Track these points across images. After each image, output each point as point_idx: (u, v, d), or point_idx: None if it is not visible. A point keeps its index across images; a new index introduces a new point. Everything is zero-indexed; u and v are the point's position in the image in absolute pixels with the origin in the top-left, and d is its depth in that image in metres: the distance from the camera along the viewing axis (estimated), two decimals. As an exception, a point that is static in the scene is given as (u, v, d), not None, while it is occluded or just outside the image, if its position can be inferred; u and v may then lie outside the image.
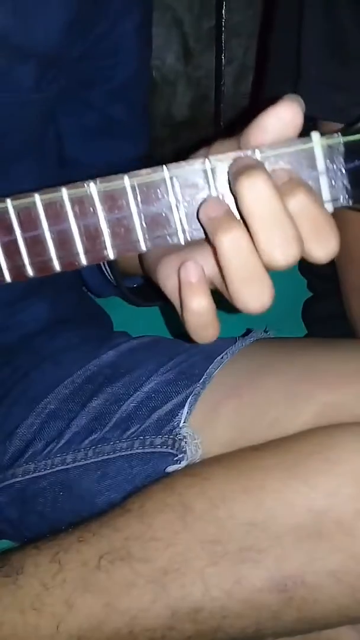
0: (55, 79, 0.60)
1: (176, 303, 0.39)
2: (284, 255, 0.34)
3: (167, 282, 0.39)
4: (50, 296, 0.68)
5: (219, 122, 1.05)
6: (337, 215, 0.64)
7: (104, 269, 0.62)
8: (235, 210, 0.36)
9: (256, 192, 0.34)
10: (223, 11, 1.03)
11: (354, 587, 0.45)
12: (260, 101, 0.70)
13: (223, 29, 1.04)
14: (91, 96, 0.65)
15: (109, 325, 0.76)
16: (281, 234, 0.34)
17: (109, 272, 0.61)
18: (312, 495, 0.45)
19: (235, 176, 0.34)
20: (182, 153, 0.40)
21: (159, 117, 1.07)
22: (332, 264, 0.70)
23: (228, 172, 0.36)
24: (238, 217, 0.36)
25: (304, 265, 0.82)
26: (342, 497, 0.45)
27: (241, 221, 0.35)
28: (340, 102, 0.60)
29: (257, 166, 0.34)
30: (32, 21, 0.55)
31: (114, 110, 0.66)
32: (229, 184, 0.36)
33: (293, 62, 0.62)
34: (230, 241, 0.34)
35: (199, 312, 0.37)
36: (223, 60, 1.05)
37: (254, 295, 0.35)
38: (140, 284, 0.60)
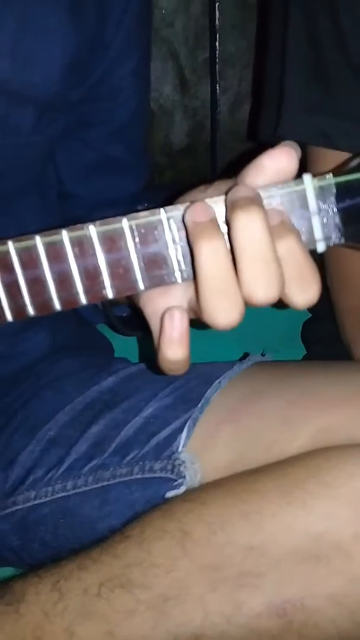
0: (54, 122, 0.61)
1: (153, 329, 0.40)
2: (264, 294, 0.35)
3: (148, 306, 0.40)
4: (50, 325, 0.69)
5: (215, 150, 1.07)
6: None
7: None
8: (221, 219, 0.37)
9: (251, 230, 0.35)
10: (216, 43, 1.06)
11: (354, 610, 0.45)
12: (257, 130, 0.71)
13: (217, 60, 1.07)
14: (89, 136, 0.66)
15: (109, 351, 0.77)
16: (267, 273, 0.35)
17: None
18: (310, 519, 0.46)
19: (232, 206, 0.35)
20: (181, 180, 0.42)
21: (157, 145, 1.09)
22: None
23: (226, 203, 0.36)
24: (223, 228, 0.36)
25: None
26: (340, 520, 0.45)
27: (225, 234, 0.36)
28: (323, 127, 0.62)
29: (255, 200, 0.35)
30: (30, 66, 0.56)
31: (113, 150, 0.67)
32: (226, 212, 0.36)
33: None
34: (210, 250, 0.35)
35: (173, 361, 0.39)
36: (218, 90, 1.08)
37: (224, 310, 0.36)
38: (129, 314, 0.61)
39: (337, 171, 0.37)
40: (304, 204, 0.37)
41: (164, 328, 0.38)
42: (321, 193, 0.37)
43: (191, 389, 0.60)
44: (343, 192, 0.36)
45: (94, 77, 0.61)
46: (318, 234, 0.37)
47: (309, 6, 0.62)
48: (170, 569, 0.46)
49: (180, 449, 0.55)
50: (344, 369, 0.57)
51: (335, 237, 0.37)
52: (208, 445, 0.55)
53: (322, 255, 0.68)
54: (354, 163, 0.37)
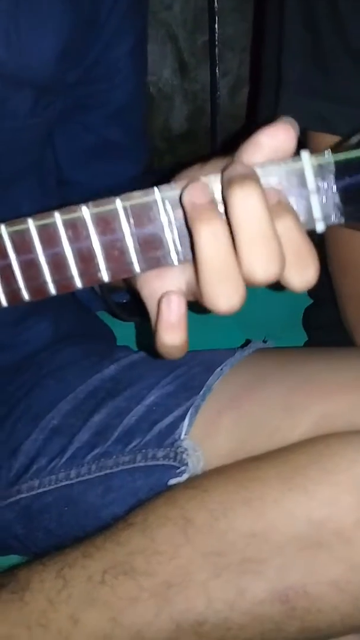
0: (51, 104, 0.60)
1: (151, 311, 0.39)
2: (264, 272, 0.34)
3: (144, 288, 0.40)
4: (52, 313, 0.69)
5: (216, 134, 1.06)
6: (331, 229, 0.65)
7: None
8: (219, 198, 0.36)
9: (248, 206, 0.34)
10: (215, 26, 1.04)
11: (356, 596, 0.45)
12: (256, 113, 0.70)
13: (216, 43, 1.05)
14: (88, 119, 0.66)
15: (111, 339, 0.77)
16: (266, 249, 0.34)
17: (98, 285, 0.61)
18: (312, 505, 0.46)
19: (228, 183, 0.35)
20: (181, 165, 0.41)
21: (157, 130, 1.08)
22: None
23: (222, 181, 0.36)
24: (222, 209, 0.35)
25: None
26: (341, 506, 0.45)
27: (224, 215, 0.35)
28: (321, 111, 0.61)
29: (252, 177, 0.35)
30: (25, 50, 0.55)
31: (111, 133, 0.67)
32: (222, 190, 0.36)
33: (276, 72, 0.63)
34: (210, 233, 0.34)
35: (171, 346, 0.38)
36: (217, 73, 1.06)
37: (225, 294, 0.35)
38: (128, 300, 0.61)
39: (335, 149, 0.36)
40: (302, 183, 0.36)
41: (162, 313, 0.38)
42: (320, 171, 0.36)
43: (193, 376, 0.60)
44: (342, 170, 0.35)
45: (90, 59, 0.61)
46: (317, 213, 0.36)
47: None
48: (173, 556, 0.47)
49: (182, 436, 0.55)
50: (345, 356, 0.57)
51: (334, 217, 0.36)
52: (210, 433, 0.55)
53: (323, 240, 0.68)
54: (354, 140, 0.36)
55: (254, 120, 0.71)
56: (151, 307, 0.40)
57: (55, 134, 0.65)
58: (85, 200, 0.38)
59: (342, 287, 0.68)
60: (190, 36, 1.05)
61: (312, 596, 0.45)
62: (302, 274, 0.35)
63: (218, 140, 1.05)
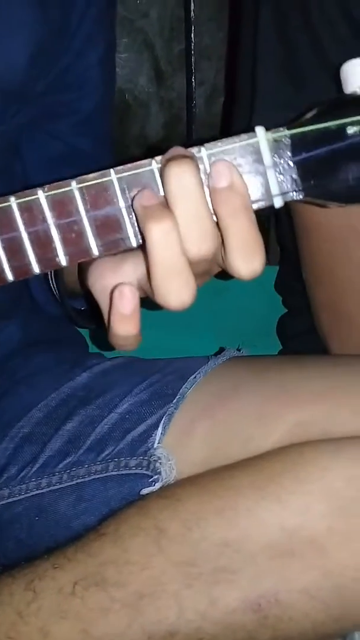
0: (19, 112, 0.60)
1: (102, 305, 0.40)
2: (197, 248, 0.35)
3: (97, 283, 0.40)
4: (21, 317, 0.68)
5: (192, 142, 1.06)
6: (305, 236, 0.65)
7: (51, 285, 0.62)
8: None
9: (182, 182, 0.35)
10: (192, 35, 1.05)
11: (328, 603, 0.45)
12: (231, 123, 0.71)
13: (193, 51, 1.06)
14: (56, 128, 0.66)
15: (83, 346, 0.76)
16: (198, 227, 0.35)
17: (56, 288, 0.61)
18: (284, 514, 0.46)
19: (165, 162, 0.35)
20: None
21: (132, 138, 1.08)
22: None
23: (161, 161, 0.36)
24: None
25: (279, 282, 0.83)
26: (314, 514, 0.45)
27: (173, 215, 0.35)
28: None
29: (187, 157, 0.35)
30: None
31: (78, 141, 0.67)
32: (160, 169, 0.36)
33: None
34: (160, 231, 0.35)
35: (124, 337, 0.38)
36: (194, 82, 1.07)
37: (175, 290, 0.36)
38: (85, 308, 0.61)
39: (291, 124, 0.36)
40: (258, 158, 0.36)
41: (114, 304, 0.38)
42: (276, 146, 0.36)
43: (167, 384, 0.60)
44: (299, 144, 0.35)
45: (60, 67, 0.61)
46: (274, 188, 0.36)
47: (280, 3, 0.62)
48: (145, 566, 0.46)
49: (155, 445, 0.55)
50: (319, 364, 0.57)
51: (293, 192, 0.36)
52: (183, 441, 0.55)
53: (297, 247, 0.69)
54: (309, 115, 0.36)
55: (229, 130, 0.72)
56: (103, 301, 0.40)
57: (23, 141, 0.65)
58: None
59: (316, 295, 0.68)
60: (167, 44, 1.06)
61: (284, 604, 0.45)
62: (249, 261, 0.36)
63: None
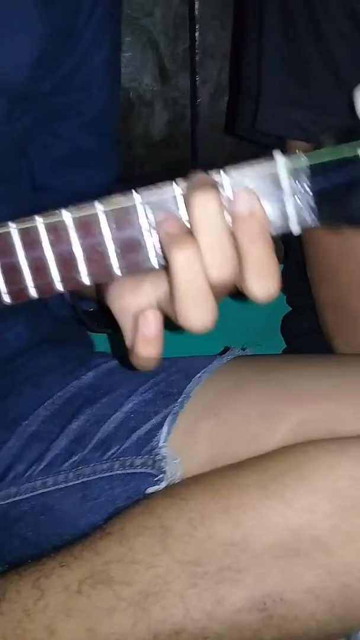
0: (26, 113, 0.60)
1: (122, 324, 0.41)
2: (218, 273, 0.36)
3: (116, 302, 0.41)
4: (28, 317, 0.69)
5: (196, 141, 1.06)
6: (310, 235, 0.65)
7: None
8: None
9: (206, 208, 0.36)
10: (196, 33, 1.05)
11: (332, 602, 0.45)
12: (235, 121, 0.71)
13: (197, 50, 1.06)
14: (62, 128, 0.66)
15: (89, 345, 0.76)
16: (220, 253, 0.36)
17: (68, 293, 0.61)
18: (289, 513, 0.46)
19: (189, 190, 0.36)
20: (161, 172, 0.41)
21: (136, 136, 1.08)
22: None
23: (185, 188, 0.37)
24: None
25: (283, 281, 0.83)
26: (318, 513, 0.46)
27: (196, 241, 0.37)
28: (300, 120, 0.62)
29: (212, 185, 0.36)
30: (0, 57, 0.55)
31: (84, 141, 0.67)
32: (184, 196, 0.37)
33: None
34: (185, 258, 0.36)
35: (147, 359, 0.39)
36: (198, 80, 1.07)
37: (198, 314, 0.37)
38: (96, 309, 0.61)
39: (309, 152, 0.37)
40: (277, 184, 0.37)
41: (140, 328, 0.39)
42: (294, 173, 0.37)
43: (171, 383, 0.60)
44: (317, 172, 0.36)
45: (66, 68, 0.61)
46: (292, 215, 0.37)
47: (285, 1, 0.62)
48: (151, 565, 0.47)
49: (160, 444, 0.55)
50: (323, 363, 0.58)
51: (309, 219, 0.37)
52: (188, 440, 0.55)
53: (302, 247, 0.69)
54: (327, 141, 0.37)
55: (233, 128, 0.72)
56: (124, 321, 0.41)
57: (29, 142, 0.65)
58: (58, 205, 0.38)
59: (321, 294, 0.68)
60: (171, 43, 1.05)
61: (289, 603, 0.45)
62: (263, 284, 0.37)
63: (198, 147, 1.06)
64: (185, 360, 0.63)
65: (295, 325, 0.81)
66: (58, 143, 0.66)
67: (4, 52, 0.55)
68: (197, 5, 1.04)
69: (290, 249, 0.79)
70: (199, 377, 0.58)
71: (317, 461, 0.47)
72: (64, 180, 0.68)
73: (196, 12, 1.04)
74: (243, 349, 0.63)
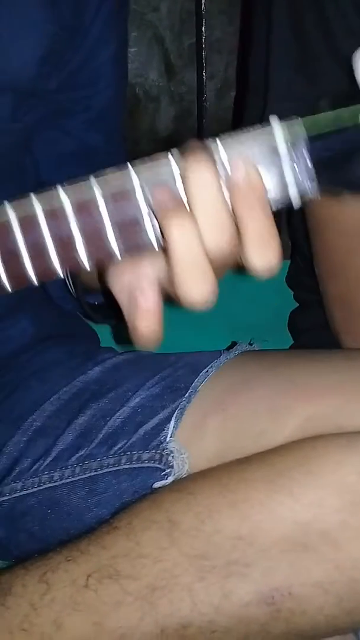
0: (33, 109, 0.60)
1: (122, 303, 0.40)
2: (216, 241, 0.35)
3: (116, 281, 0.40)
4: (33, 312, 0.69)
5: (202, 136, 1.06)
6: (318, 231, 0.65)
7: (66, 281, 0.62)
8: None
9: (200, 176, 0.35)
10: (203, 28, 1.05)
11: (341, 597, 0.45)
12: (243, 117, 0.71)
13: (203, 45, 1.05)
14: (68, 125, 0.66)
15: (95, 341, 0.76)
16: (218, 221, 0.35)
17: (71, 284, 0.61)
18: (297, 507, 0.46)
19: (185, 161, 0.36)
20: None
21: (143, 132, 1.08)
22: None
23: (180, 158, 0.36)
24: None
25: (290, 277, 0.83)
26: (326, 508, 0.45)
27: (192, 211, 0.36)
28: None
29: (208, 154, 0.35)
30: (7, 54, 0.55)
31: (91, 138, 0.67)
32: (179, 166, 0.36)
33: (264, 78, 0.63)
34: (180, 232, 0.36)
35: (147, 333, 0.38)
36: (204, 75, 1.07)
37: (197, 286, 0.36)
38: (101, 302, 0.61)
39: (306, 115, 0.36)
40: (274, 150, 0.36)
41: (137, 300, 0.38)
42: (292, 138, 0.36)
43: (179, 378, 0.60)
44: (314, 135, 0.36)
45: (73, 65, 0.61)
46: (290, 179, 0.36)
47: None
48: (158, 559, 0.46)
49: (168, 438, 0.55)
50: (330, 358, 0.57)
51: (309, 184, 0.36)
52: (196, 435, 0.55)
53: (310, 242, 0.68)
54: (323, 106, 0.36)
55: (240, 123, 0.72)
56: (123, 300, 0.40)
57: (35, 138, 0.65)
58: None
59: (329, 290, 0.68)
60: (177, 38, 1.05)
61: (297, 598, 0.45)
62: (263, 255, 0.36)
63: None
64: (192, 356, 0.62)
65: (302, 321, 0.81)
66: (64, 139, 0.66)
67: (11, 50, 0.55)
68: (203, 0, 1.04)
69: (297, 245, 0.79)
70: (206, 372, 0.58)
71: (326, 456, 0.47)
72: (69, 177, 0.68)
73: (203, 7, 1.04)
74: (250, 344, 0.63)
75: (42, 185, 0.71)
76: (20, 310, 0.68)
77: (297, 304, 0.83)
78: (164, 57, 1.07)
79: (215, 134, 0.37)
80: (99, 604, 0.46)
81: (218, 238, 0.36)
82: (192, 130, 1.08)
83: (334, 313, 0.69)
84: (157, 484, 0.53)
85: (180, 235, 0.35)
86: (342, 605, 0.45)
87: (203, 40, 1.05)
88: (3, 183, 0.62)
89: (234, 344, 0.63)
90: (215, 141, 0.36)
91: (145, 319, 0.38)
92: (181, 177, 0.36)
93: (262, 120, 0.64)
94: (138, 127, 1.06)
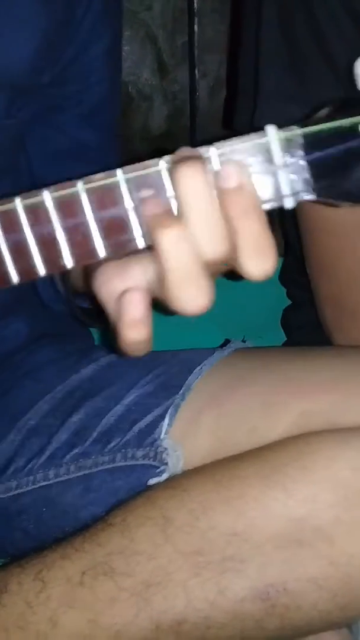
0: (26, 105, 0.60)
1: (110, 311, 0.38)
2: (212, 250, 0.34)
3: (103, 288, 0.38)
4: (28, 312, 0.69)
5: (195, 134, 1.06)
6: (308, 231, 0.65)
7: (57, 284, 0.62)
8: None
9: (192, 183, 0.34)
10: (195, 27, 1.05)
11: (335, 592, 0.45)
12: (233, 116, 0.71)
13: (196, 44, 1.06)
14: (61, 121, 0.65)
15: (89, 339, 0.76)
16: (209, 228, 0.34)
17: (61, 286, 0.61)
18: (291, 503, 0.46)
19: (175, 164, 0.35)
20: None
21: (136, 131, 1.08)
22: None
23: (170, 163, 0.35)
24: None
25: (283, 275, 0.83)
26: (320, 504, 0.46)
27: (183, 220, 0.35)
28: (297, 116, 0.62)
29: (198, 158, 0.35)
30: (0, 50, 0.55)
31: (84, 134, 0.66)
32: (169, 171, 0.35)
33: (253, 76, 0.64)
34: (169, 240, 0.34)
35: (135, 343, 0.37)
36: (197, 74, 1.07)
37: (191, 296, 0.35)
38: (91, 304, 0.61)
39: (303, 123, 0.35)
40: (269, 158, 0.35)
41: (125, 309, 0.37)
42: (287, 146, 0.35)
43: (172, 375, 0.60)
44: (311, 143, 0.35)
45: (66, 59, 0.61)
46: (285, 188, 0.35)
47: None
48: (153, 556, 0.47)
49: (162, 436, 0.55)
50: (323, 355, 0.58)
51: (305, 193, 0.35)
52: (190, 432, 0.55)
53: (301, 242, 0.69)
54: (322, 113, 0.35)
55: (231, 123, 0.72)
56: (110, 307, 0.38)
57: (28, 135, 0.65)
58: None
59: (319, 288, 0.68)
60: (170, 37, 1.05)
61: (291, 593, 0.45)
62: (259, 261, 0.35)
63: (197, 141, 1.06)
64: (186, 353, 0.63)
65: (295, 319, 0.81)
66: (57, 136, 0.66)
67: (5, 45, 0.55)
68: (196, -2, 1.04)
69: (289, 244, 0.79)
70: (200, 369, 0.58)
71: (319, 452, 0.47)
72: (63, 174, 0.67)
73: (195, 5, 1.04)
74: (244, 342, 0.63)
75: (36, 182, 0.71)
76: (14, 311, 0.68)
77: (290, 302, 0.83)
78: (157, 56, 1.07)
79: (208, 132, 0.36)
80: (94, 601, 0.46)
81: (212, 248, 0.34)
82: (184, 129, 1.08)
83: (326, 312, 0.69)
84: (151, 481, 0.53)
85: (172, 246, 0.34)
86: (336, 600, 0.45)
87: (195, 39, 1.05)
88: (0, 178, 0.62)
89: (227, 341, 0.63)
90: (209, 148, 0.35)
91: (134, 329, 0.37)
92: (171, 181, 0.35)
93: (252, 119, 0.65)
94: (131, 125, 1.06)
